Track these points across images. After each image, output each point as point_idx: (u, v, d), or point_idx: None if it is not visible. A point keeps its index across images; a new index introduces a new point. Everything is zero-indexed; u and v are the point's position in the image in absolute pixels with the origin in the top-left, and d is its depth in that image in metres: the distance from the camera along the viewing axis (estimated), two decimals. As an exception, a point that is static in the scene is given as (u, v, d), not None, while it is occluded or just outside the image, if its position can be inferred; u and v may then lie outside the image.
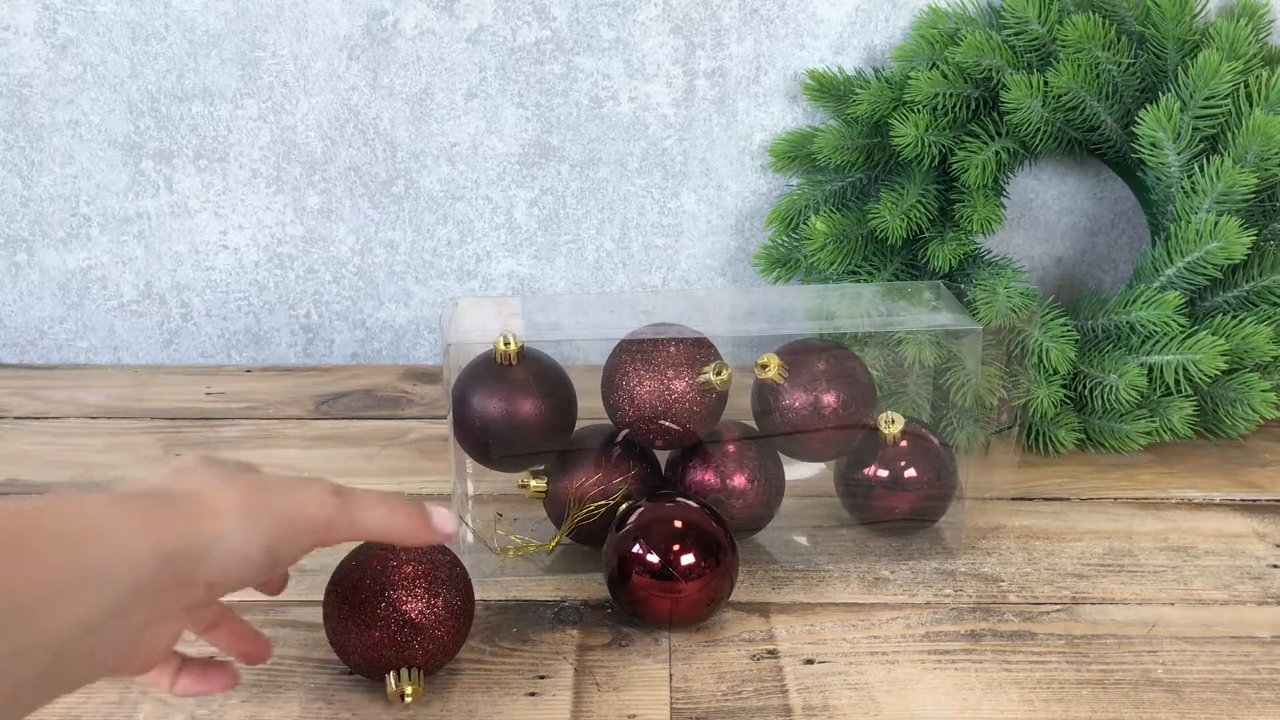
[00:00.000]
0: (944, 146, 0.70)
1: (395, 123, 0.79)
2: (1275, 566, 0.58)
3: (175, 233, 0.81)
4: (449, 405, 0.56)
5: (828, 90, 0.75)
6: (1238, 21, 0.68)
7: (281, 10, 0.76)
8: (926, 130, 0.69)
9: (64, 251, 0.82)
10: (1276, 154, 0.64)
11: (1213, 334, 0.65)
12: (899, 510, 0.58)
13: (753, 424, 0.59)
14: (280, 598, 0.50)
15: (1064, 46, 0.68)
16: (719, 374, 0.54)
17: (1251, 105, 0.65)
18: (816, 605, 0.55)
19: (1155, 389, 0.67)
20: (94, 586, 0.33)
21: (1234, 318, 0.66)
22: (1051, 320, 0.66)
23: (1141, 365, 0.66)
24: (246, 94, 0.78)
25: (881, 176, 0.75)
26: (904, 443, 0.58)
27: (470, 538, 0.57)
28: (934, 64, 0.71)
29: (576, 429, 0.58)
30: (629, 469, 0.57)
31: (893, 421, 0.57)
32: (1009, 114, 0.69)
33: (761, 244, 0.78)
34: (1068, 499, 0.65)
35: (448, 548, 0.49)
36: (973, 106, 0.71)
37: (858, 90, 0.72)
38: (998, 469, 0.63)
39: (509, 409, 0.55)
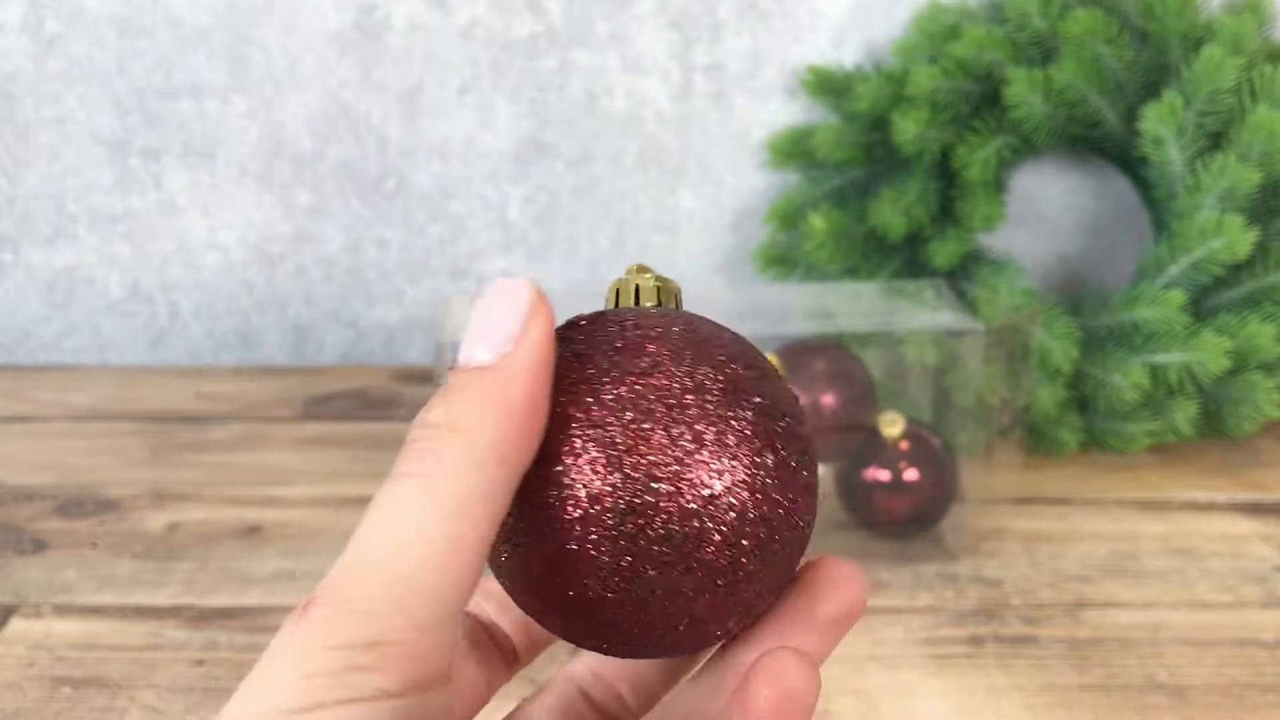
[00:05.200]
0: (945, 143, 0.69)
1: (386, 119, 0.77)
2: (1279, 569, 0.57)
3: (163, 231, 0.80)
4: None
5: (827, 85, 0.74)
6: (1241, 16, 0.67)
7: (271, 5, 0.75)
8: (927, 126, 0.68)
9: (50, 250, 0.80)
10: (1281, 150, 0.63)
11: (1217, 333, 0.64)
12: (899, 513, 0.57)
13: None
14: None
15: (1066, 41, 0.67)
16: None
17: (1255, 101, 0.65)
18: (816, 610, 0.54)
19: (1159, 389, 0.66)
20: None
21: (1238, 316, 0.65)
22: (1054, 319, 0.65)
23: (1145, 365, 0.65)
24: (235, 90, 0.77)
25: (881, 173, 0.74)
26: (904, 444, 0.57)
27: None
28: (934, 59, 0.70)
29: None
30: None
31: (893, 422, 0.57)
32: (1011, 109, 0.68)
33: (759, 242, 0.77)
34: (1070, 501, 0.64)
35: None
36: (974, 102, 0.70)
37: (857, 85, 0.71)
38: (1000, 471, 0.63)
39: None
